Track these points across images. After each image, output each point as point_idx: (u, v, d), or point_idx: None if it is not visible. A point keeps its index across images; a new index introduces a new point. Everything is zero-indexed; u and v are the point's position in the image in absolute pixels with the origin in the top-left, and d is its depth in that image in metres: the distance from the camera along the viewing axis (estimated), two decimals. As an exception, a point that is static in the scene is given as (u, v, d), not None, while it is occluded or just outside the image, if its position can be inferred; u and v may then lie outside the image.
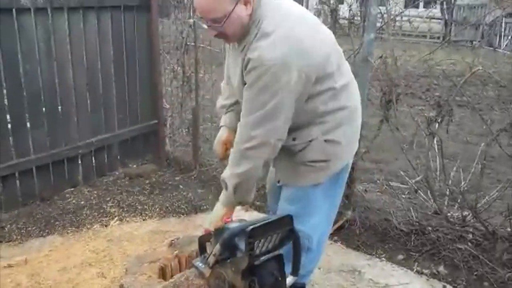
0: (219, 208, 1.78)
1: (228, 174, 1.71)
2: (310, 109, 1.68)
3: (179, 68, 4.09)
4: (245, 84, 1.63)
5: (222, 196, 1.77)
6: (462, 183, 3.06)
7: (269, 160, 1.71)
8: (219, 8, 1.55)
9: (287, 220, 1.30)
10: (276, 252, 1.30)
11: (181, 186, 3.73)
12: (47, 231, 3.02)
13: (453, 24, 15.72)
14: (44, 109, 3.31)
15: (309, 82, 1.60)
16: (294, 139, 1.73)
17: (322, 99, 1.68)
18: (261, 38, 1.56)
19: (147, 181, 3.78)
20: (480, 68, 2.72)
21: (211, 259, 1.32)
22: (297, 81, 1.55)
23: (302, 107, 1.66)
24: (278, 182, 1.90)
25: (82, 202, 3.41)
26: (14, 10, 3.01)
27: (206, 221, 1.81)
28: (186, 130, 4.18)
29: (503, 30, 14.39)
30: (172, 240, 2.08)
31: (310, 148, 1.73)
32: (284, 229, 1.30)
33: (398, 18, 3.77)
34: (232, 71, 1.81)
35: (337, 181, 1.88)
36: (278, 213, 1.73)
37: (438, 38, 15.12)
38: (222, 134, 2.00)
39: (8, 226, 3.04)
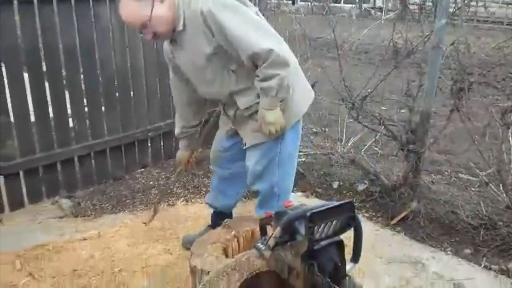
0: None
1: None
2: None
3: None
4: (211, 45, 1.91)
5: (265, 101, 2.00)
6: (538, 177, 2.88)
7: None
8: (139, 15, 1.87)
9: (348, 207, 1.30)
10: (337, 238, 1.30)
11: (244, 171, 3.78)
12: (118, 208, 3.20)
13: (535, 9, 14.61)
14: (117, 94, 3.49)
15: None
16: None
17: None
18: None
19: (212, 165, 3.86)
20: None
21: (272, 242, 1.35)
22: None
23: None
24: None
25: (151, 183, 3.58)
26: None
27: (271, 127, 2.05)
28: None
29: None
30: (225, 222, 2.14)
31: None
32: (345, 215, 1.30)
33: (472, 3, 3.57)
34: (189, 60, 2.05)
35: None
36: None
37: (517, 24, 14.11)
38: (185, 153, 2.64)
39: (84, 202, 3.24)
